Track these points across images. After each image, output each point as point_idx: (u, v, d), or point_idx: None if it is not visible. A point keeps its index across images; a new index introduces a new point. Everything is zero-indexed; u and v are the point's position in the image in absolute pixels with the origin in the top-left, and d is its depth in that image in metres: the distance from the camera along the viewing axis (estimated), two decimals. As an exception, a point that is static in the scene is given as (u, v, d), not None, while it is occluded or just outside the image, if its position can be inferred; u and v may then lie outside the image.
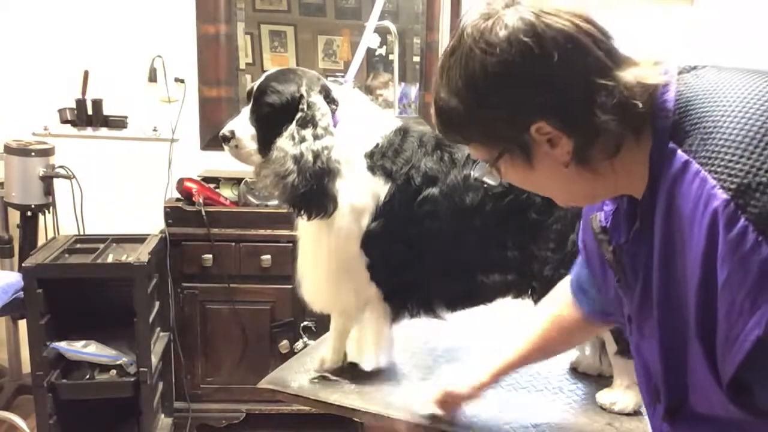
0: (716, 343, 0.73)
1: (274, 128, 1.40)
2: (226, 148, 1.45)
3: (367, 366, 1.49)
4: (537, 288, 1.39)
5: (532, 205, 1.38)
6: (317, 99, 1.40)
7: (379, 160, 1.41)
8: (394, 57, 2.41)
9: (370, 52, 3.12)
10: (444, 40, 2.36)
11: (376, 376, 1.50)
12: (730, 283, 0.69)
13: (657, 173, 0.80)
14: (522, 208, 1.38)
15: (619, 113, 0.79)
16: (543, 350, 1.23)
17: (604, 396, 1.39)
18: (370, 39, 1.75)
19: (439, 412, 1.31)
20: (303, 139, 1.36)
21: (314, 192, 1.35)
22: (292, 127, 1.38)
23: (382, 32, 2.94)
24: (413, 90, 3.19)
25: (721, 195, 0.70)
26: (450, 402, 1.30)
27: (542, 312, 1.23)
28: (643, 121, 0.81)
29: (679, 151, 0.76)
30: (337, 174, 1.38)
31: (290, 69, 1.47)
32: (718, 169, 0.71)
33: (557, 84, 0.79)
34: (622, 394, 1.37)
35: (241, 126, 1.43)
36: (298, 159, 1.35)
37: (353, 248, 1.42)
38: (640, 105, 0.79)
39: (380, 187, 1.40)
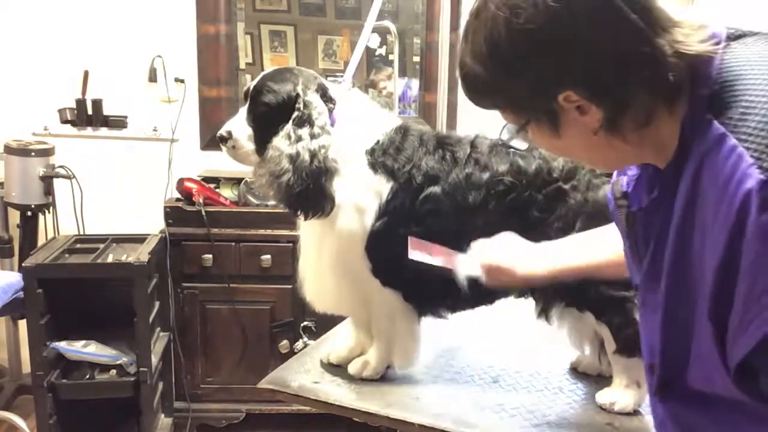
0: (728, 324, 0.71)
1: (270, 128, 1.39)
2: (223, 148, 1.45)
3: (399, 366, 1.49)
4: (540, 288, 1.39)
5: (534, 203, 1.38)
6: (313, 98, 1.40)
7: (380, 157, 1.40)
8: (394, 57, 2.41)
9: (370, 51, 3.12)
10: (444, 40, 2.36)
11: (376, 376, 1.50)
12: (755, 267, 0.66)
13: (688, 143, 0.76)
14: (524, 207, 1.38)
15: (653, 83, 0.75)
16: (605, 269, 1.18)
17: (603, 396, 1.39)
18: (367, 38, 1.75)
19: (482, 277, 1.25)
20: (299, 138, 1.36)
21: (310, 191, 1.35)
22: (288, 126, 1.38)
23: (382, 32, 2.94)
24: (415, 83, 3.18)
25: (758, 175, 0.66)
26: (497, 275, 1.24)
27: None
28: (679, 91, 0.77)
29: (716, 123, 0.72)
30: (334, 173, 1.38)
31: (287, 68, 1.46)
32: (759, 148, 0.67)
33: (587, 52, 0.75)
34: (622, 394, 1.37)
35: (238, 126, 1.42)
36: (293, 158, 1.35)
37: (357, 249, 1.41)
38: (677, 74, 0.75)
39: (382, 186, 1.40)
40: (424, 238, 1.38)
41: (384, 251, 1.41)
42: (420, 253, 1.29)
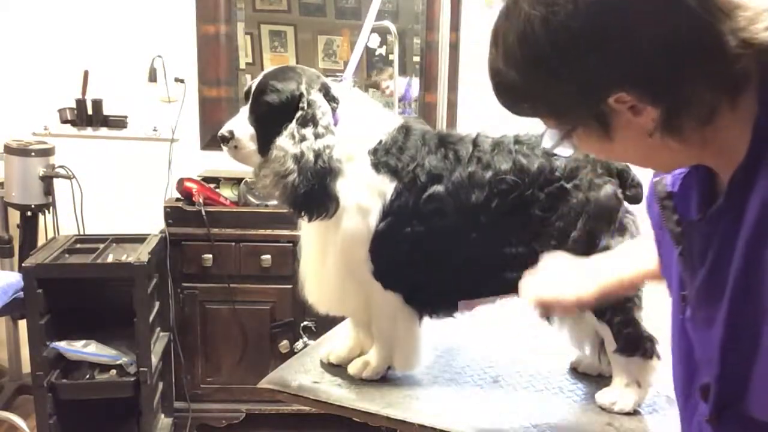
0: None
1: (273, 127, 1.38)
2: (224, 148, 1.43)
3: (399, 369, 1.49)
4: None
5: (536, 202, 1.37)
6: (317, 97, 1.38)
7: (383, 157, 1.39)
8: (394, 57, 2.41)
9: (370, 51, 3.12)
10: (444, 40, 2.36)
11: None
12: None
13: (761, 148, 0.68)
14: (526, 205, 1.38)
15: (715, 78, 0.68)
16: (653, 278, 1.09)
17: (603, 396, 1.39)
18: (367, 38, 1.74)
19: (535, 311, 1.19)
20: (303, 138, 1.35)
21: (315, 192, 1.34)
22: (292, 125, 1.36)
23: (382, 32, 2.94)
24: (415, 83, 3.18)
25: None
26: (547, 310, 1.18)
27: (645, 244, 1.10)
28: (745, 85, 0.69)
29: None
30: (338, 173, 1.37)
31: (289, 67, 1.45)
32: None
33: (638, 46, 0.67)
34: (622, 394, 1.37)
35: (240, 126, 1.41)
36: (298, 158, 1.34)
37: (361, 250, 1.40)
38: (742, 66, 0.67)
39: (386, 186, 1.39)
40: (429, 237, 1.38)
41: (387, 253, 1.40)
42: (468, 311, 1.34)
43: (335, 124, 1.39)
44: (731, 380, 0.75)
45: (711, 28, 0.66)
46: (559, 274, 1.17)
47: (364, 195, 1.39)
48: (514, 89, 0.76)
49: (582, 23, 0.68)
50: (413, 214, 1.38)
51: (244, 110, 1.43)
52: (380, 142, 1.41)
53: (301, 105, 1.37)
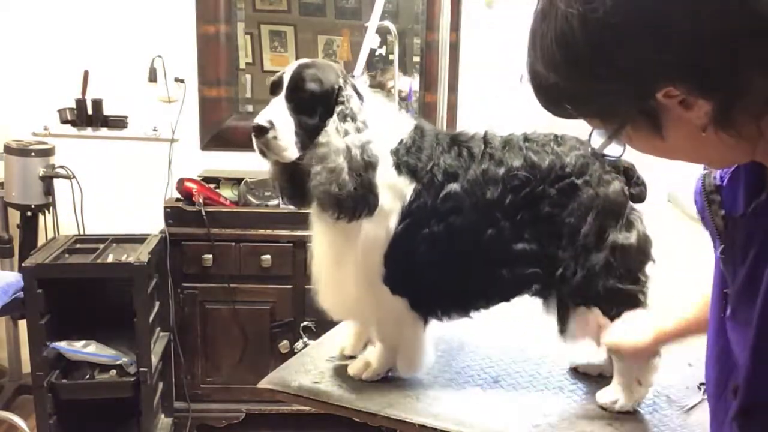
0: None
1: (312, 119, 1.32)
2: (257, 141, 1.32)
3: (403, 373, 1.48)
4: (552, 282, 1.38)
5: (546, 198, 1.37)
6: (351, 92, 1.36)
7: (404, 157, 1.37)
8: (394, 57, 2.41)
9: (370, 51, 3.11)
10: (444, 40, 2.36)
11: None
12: None
13: None
14: (537, 201, 1.37)
15: None
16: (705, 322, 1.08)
17: (604, 395, 1.39)
18: (372, 38, 1.74)
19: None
20: (347, 133, 1.31)
21: (360, 189, 1.29)
22: (335, 119, 1.32)
23: (382, 32, 2.94)
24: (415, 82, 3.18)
25: None
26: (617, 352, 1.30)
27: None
28: None
29: None
30: (377, 168, 1.32)
31: (319, 60, 1.40)
32: None
33: (685, 36, 0.63)
34: (622, 393, 1.37)
35: (280, 116, 1.31)
36: (346, 154, 1.29)
37: (377, 255, 1.37)
38: None
39: (406, 187, 1.36)
40: (446, 235, 1.36)
41: (403, 256, 1.37)
42: None
43: None
44: (760, 381, 0.73)
45: (764, 10, 0.62)
46: (633, 324, 1.25)
47: (387, 197, 1.35)
48: (556, 92, 0.73)
49: (622, 17, 0.65)
50: (431, 214, 1.36)
51: (279, 101, 1.33)
52: (401, 141, 1.38)
53: (340, 99, 1.33)
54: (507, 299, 1.47)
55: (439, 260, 1.39)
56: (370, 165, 1.31)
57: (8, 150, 2.69)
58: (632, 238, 1.36)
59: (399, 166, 1.36)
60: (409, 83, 3.15)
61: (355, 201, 1.30)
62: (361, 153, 1.30)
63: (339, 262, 1.42)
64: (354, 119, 1.33)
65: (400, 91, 2.69)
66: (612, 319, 1.36)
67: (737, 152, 0.72)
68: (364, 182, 1.30)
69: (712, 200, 0.83)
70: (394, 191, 1.36)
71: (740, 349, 0.77)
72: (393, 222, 1.36)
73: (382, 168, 1.34)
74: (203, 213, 2.66)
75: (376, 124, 1.36)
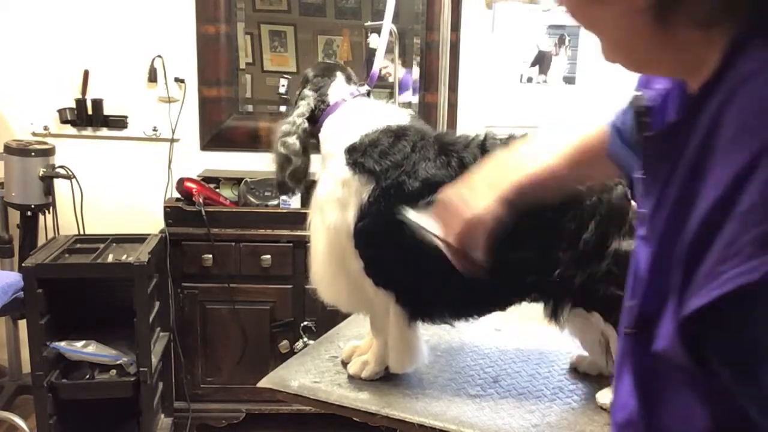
0: (696, 274, 0.60)
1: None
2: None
3: (392, 369, 1.49)
4: (550, 290, 1.37)
5: (548, 203, 1.36)
6: (308, 92, 1.52)
7: (359, 158, 1.40)
8: (394, 57, 2.41)
9: (370, 51, 3.11)
10: (444, 40, 2.36)
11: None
12: (750, 214, 0.55)
13: (728, 64, 0.63)
14: (537, 206, 1.36)
15: None
16: (567, 169, 1.04)
17: (604, 395, 1.39)
18: (386, 40, 1.75)
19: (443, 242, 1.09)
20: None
21: (280, 173, 1.49)
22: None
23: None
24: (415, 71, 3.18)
25: None
26: (462, 231, 1.08)
27: (571, 130, 1.05)
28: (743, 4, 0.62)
29: None
30: (292, 160, 1.48)
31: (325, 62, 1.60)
32: None
33: None
34: (622, 394, 1.37)
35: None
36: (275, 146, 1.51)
37: (347, 244, 1.41)
38: None
39: (362, 186, 1.39)
40: (412, 244, 1.34)
41: (373, 253, 1.40)
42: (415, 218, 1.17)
43: (321, 122, 1.49)
44: (653, 300, 0.70)
45: None
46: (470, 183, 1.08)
47: (341, 190, 1.41)
48: None
49: None
50: (392, 220, 1.32)
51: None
52: (357, 141, 1.42)
53: (300, 98, 1.54)
54: (503, 308, 1.47)
55: (410, 265, 1.38)
56: (283, 156, 1.48)
57: (8, 150, 2.69)
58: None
59: (354, 165, 1.40)
60: (404, 73, 3.12)
61: (279, 184, 1.51)
62: (279, 144, 1.49)
63: (316, 248, 1.48)
64: (288, 116, 1.52)
65: (386, 75, 2.67)
66: (613, 324, 1.36)
67: (662, 55, 0.69)
68: (282, 167, 1.48)
69: (642, 122, 0.81)
70: (348, 187, 1.41)
71: (644, 266, 0.75)
72: (351, 215, 1.40)
73: (335, 162, 1.43)
74: (203, 213, 2.66)
75: (335, 126, 1.47)
